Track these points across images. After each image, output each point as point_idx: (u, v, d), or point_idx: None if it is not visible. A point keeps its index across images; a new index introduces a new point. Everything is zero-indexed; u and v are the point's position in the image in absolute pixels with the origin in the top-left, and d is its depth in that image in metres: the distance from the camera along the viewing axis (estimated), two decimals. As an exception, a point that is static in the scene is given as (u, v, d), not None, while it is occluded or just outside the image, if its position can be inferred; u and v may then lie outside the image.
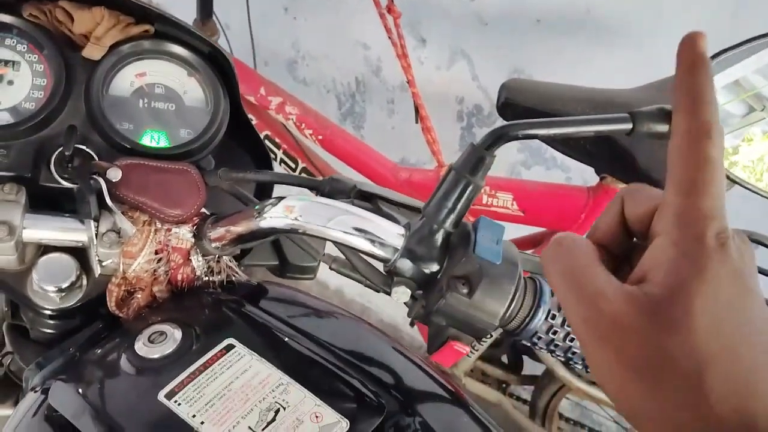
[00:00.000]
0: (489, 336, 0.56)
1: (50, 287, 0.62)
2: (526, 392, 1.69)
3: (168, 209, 0.63)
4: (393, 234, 0.52)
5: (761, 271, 1.01)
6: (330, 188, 0.62)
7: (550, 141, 1.11)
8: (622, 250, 0.39)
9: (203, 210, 0.66)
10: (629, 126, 0.50)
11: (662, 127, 0.51)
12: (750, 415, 0.30)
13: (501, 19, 1.51)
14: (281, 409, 0.51)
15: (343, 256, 0.58)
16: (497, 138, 0.49)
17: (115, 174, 0.62)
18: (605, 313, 0.33)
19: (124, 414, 0.51)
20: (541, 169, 1.59)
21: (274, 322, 0.61)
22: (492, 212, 1.19)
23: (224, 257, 0.66)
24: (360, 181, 0.63)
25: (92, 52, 0.68)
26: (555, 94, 1.04)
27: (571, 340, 0.50)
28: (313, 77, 2.00)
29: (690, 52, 0.35)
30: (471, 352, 1.40)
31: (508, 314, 0.49)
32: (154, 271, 0.64)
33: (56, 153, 0.64)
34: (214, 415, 0.50)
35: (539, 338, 0.50)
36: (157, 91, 0.71)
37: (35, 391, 0.58)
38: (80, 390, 0.54)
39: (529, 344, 0.51)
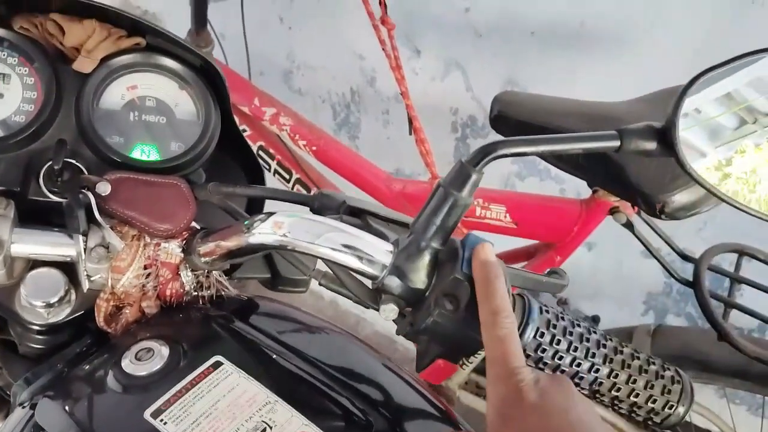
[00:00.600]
0: (477, 354, 0.56)
1: (38, 302, 0.62)
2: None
3: (157, 224, 0.63)
4: (381, 251, 0.52)
5: (754, 285, 1.01)
6: (319, 204, 0.62)
7: (541, 156, 1.11)
8: None
9: (193, 224, 0.65)
10: (617, 143, 0.50)
11: (650, 145, 0.51)
12: None
13: (495, 31, 1.51)
14: (268, 428, 0.50)
15: (332, 272, 0.58)
16: (485, 155, 0.49)
17: (104, 188, 0.62)
18: None
19: None
20: (535, 180, 1.59)
21: (263, 339, 0.61)
22: (485, 224, 1.19)
23: (214, 272, 0.66)
24: (350, 196, 0.63)
25: (83, 65, 0.68)
26: (547, 107, 1.04)
27: (560, 358, 0.50)
28: (308, 87, 2.00)
29: (480, 260, 0.49)
30: (465, 365, 1.40)
31: (496, 333, 0.48)
32: (143, 286, 0.63)
33: (45, 167, 0.64)
34: (201, 434, 0.49)
35: (528, 356, 0.50)
36: (148, 104, 0.71)
37: (23, 407, 0.58)
38: (67, 407, 0.54)
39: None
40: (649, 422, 0.53)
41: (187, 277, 0.64)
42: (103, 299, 0.63)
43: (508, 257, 1.27)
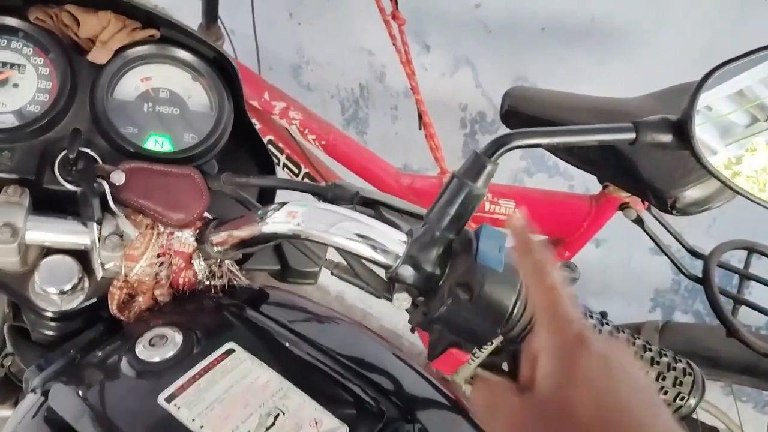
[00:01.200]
0: (490, 343, 0.56)
1: (52, 289, 0.62)
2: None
3: (171, 213, 0.63)
4: (395, 240, 0.52)
5: (764, 282, 1.00)
6: (333, 194, 0.62)
7: (553, 149, 1.11)
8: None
9: (206, 214, 0.66)
10: (632, 136, 0.50)
11: (665, 137, 0.51)
12: None
13: (505, 26, 1.51)
14: (281, 414, 0.51)
15: (344, 262, 0.58)
16: (500, 146, 0.49)
17: (118, 177, 0.62)
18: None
19: (124, 417, 0.52)
20: (543, 176, 1.59)
21: (275, 327, 0.61)
22: (494, 219, 1.18)
23: (226, 261, 0.66)
24: (363, 188, 0.63)
25: (98, 56, 0.68)
26: (558, 102, 1.04)
27: (572, 348, 0.50)
28: (318, 82, 2.00)
29: (516, 227, 0.46)
30: (471, 359, 1.40)
31: (509, 322, 0.49)
32: (156, 274, 0.64)
33: (60, 156, 0.64)
34: (214, 419, 0.50)
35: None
36: (162, 96, 0.71)
37: (35, 393, 0.58)
38: (80, 392, 0.54)
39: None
40: (660, 414, 0.53)
41: (199, 266, 0.64)
42: (117, 287, 0.63)
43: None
